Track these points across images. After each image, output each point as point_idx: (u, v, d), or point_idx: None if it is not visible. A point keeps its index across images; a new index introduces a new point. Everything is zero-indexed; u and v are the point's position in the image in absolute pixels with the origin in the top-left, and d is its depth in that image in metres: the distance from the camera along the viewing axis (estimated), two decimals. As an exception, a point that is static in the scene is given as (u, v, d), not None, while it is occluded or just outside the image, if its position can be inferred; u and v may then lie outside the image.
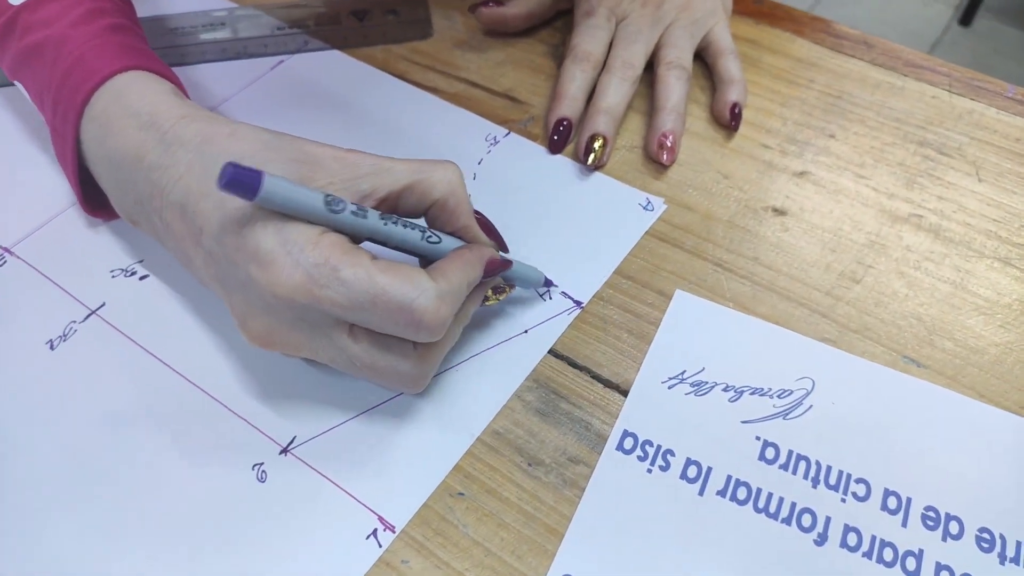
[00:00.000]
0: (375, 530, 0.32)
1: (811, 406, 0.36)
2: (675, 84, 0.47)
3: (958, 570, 0.31)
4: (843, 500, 0.33)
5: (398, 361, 0.32)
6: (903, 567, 0.31)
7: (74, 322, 0.38)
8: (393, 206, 0.34)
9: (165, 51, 0.51)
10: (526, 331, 0.38)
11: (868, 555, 0.32)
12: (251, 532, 0.32)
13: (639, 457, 0.34)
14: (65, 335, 0.38)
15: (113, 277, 0.40)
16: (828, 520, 0.33)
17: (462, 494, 0.33)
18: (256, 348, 0.36)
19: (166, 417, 0.35)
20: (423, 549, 0.32)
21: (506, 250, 0.38)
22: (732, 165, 0.46)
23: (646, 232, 0.43)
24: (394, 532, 0.32)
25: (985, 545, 0.32)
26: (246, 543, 0.32)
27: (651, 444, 0.35)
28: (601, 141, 0.45)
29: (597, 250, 0.42)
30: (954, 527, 0.32)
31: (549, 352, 0.38)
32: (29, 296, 0.39)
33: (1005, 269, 0.41)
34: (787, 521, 0.33)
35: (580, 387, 0.37)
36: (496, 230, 0.37)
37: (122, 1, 0.41)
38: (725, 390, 0.36)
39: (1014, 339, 0.38)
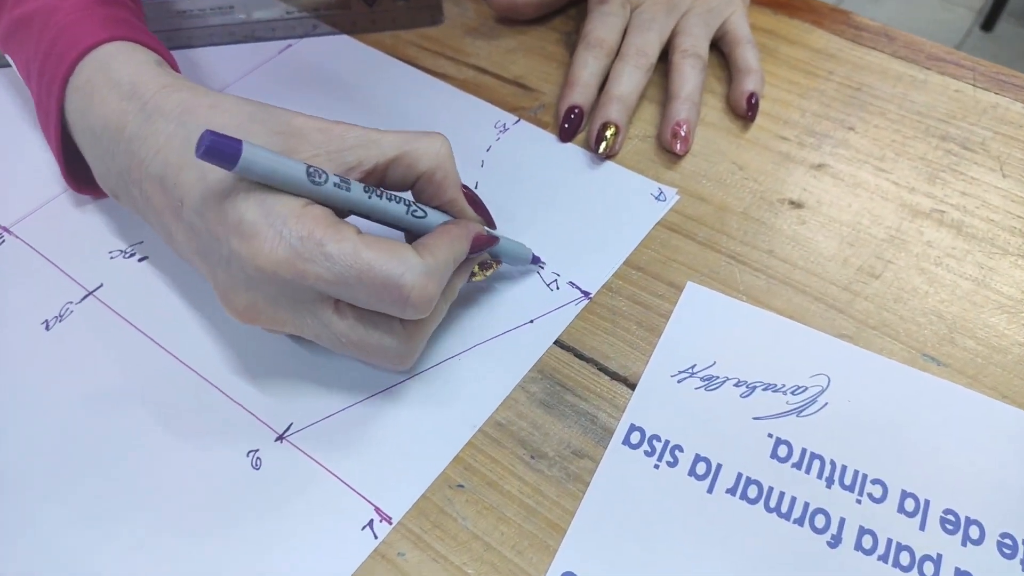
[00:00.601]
0: (371, 521, 0.31)
1: (826, 403, 0.34)
2: (690, 73, 0.46)
3: (978, 576, 0.30)
4: (858, 501, 0.32)
5: (384, 338, 0.31)
6: (920, 572, 0.30)
7: (71, 303, 0.38)
8: (380, 179, 0.33)
9: (172, 33, 0.51)
10: (531, 321, 0.37)
11: (884, 558, 0.30)
12: (244, 520, 0.31)
13: (646, 452, 0.33)
14: (61, 316, 0.37)
15: (112, 258, 0.39)
16: (843, 521, 0.31)
17: (462, 486, 0.32)
18: (253, 331, 0.35)
19: (160, 401, 0.34)
20: (420, 542, 0.31)
21: (493, 226, 0.37)
22: (748, 156, 0.45)
23: (658, 223, 0.41)
24: (391, 523, 0.31)
25: (1007, 551, 0.31)
26: (239, 531, 0.31)
27: (659, 439, 0.33)
28: (613, 129, 0.44)
29: (606, 240, 0.40)
30: (974, 531, 0.31)
31: (555, 343, 0.37)
32: (26, 276, 0.39)
33: (1030, 267, 0.40)
34: (799, 522, 0.31)
35: (586, 379, 0.35)
36: (483, 205, 0.36)
37: None
38: (737, 385, 0.35)
39: (1039, 339, 0.37)
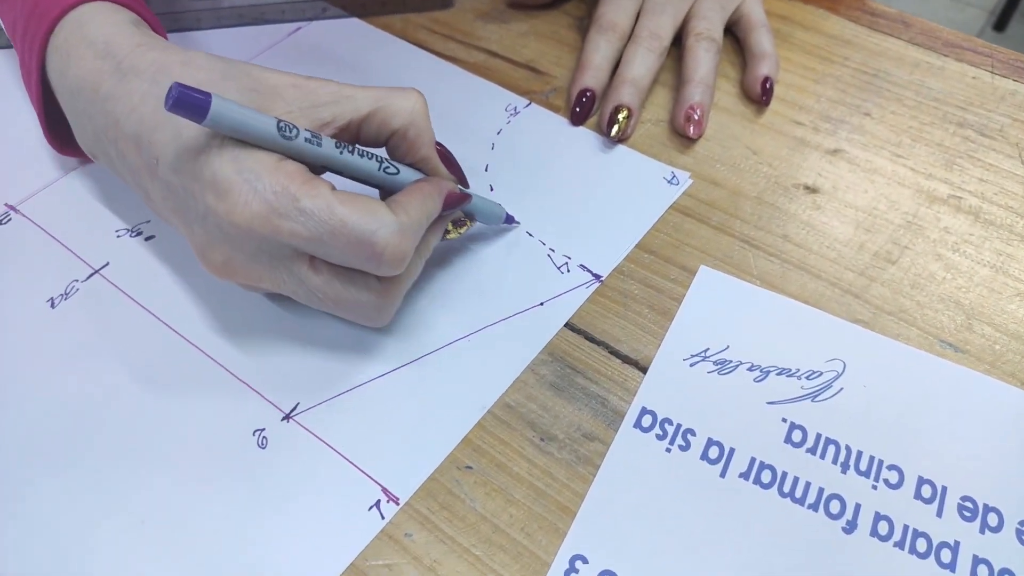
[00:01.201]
0: (378, 501, 0.31)
1: (841, 388, 0.34)
2: (704, 56, 0.45)
3: (997, 564, 0.29)
4: (874, 487, 0.31)
5: (360, 293, 0.31)
6: (937, 559, 0.29)
7: (76, 281, 0.37)
8: (354, 135, 0.33)
9: (180, 15, 0.50)
10: (542, 303, 0.37)
11: (900, 545, 0.30)
12: (250, 500, 0.31)
13: (658, 436, 0.32)
14: (67, 293, 0.37)
15: (118, 237, 0.39)
16: (858, 507, 0.31)
17: (470, 467, 0.32)
18: (260, 310, 0.35)
19: (166, 379, 0.34)
20: (428, 522, 0.30)
21: (466, 184, 0.37)
22: (762, 141, 0.44)
23: (671, 206, 0.41)
24: (398, 504, 0.31)
25: (1026, 539, 0.30)
26: (244, 511, 0.30)
27: (671, 423, 0.33)
28: (625, 112, 0.43)
29: (619, 223, 0.40)
30: (993, 519, 0.30)
31: (565, 326, 0.36)
32: (32, 254, 0.38)
33: (1050, 254, 0.39)
34: (814, 507, 0.31)
35: (597, 362, 0.35)
36: (456, 163, 0.36)
37: None
38: (750, 369, 0.34)
39: (1059, 326, 0.36)
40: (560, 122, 0.45)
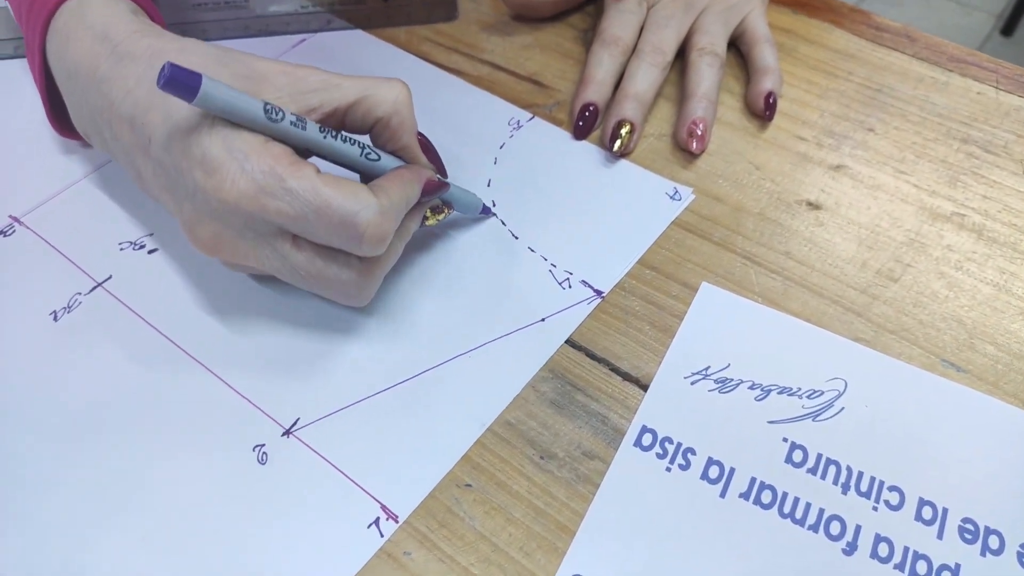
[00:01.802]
0: (377, 519, 0.31)
1: (843, 408, 0.34)
2: (707, 71, 0.45)
3: (998, 588, 0.29)
4: (875, 508, 0.31)
5: (341, 271, 0.32)
6: (938, 582, 0.29)
7: (79, 294, 0.37)
8: (340, 122, 0.34)
9: (186, 26, 0.51)
10: (543, 319, 0.37)
11: (900, 567, 0.30)
12: (249, 516, 0.31)
13: (658, 454, 0.32)
14: (69, 307, 0.37)
15: (121, 250, 0.39)
16: (858, 529, 0.31)
17: (470, 485, 0.32)
18: (262, 324, 0.35)
19: (166, 393, 0.34)
20: (427, 541, 0.30)
21: (444, 174, 0.38)
22: (765, 156, 0.44)
23: (672, 222, 0.41)
24: (397, 522, 0.31)
25: (1028, 562, 0.30)
26: (243, 527, 0.30)
27: (671, 441, 0.33)
28: (628, 127, 0.43)
29: (620, 239, 0.40)
30: (994, 542, 0.30)
31: (566, 342, 0.36)
32: (35, 266, 0.38)
33: (1053, 272, 0.39)
34: (814, 528, 0.31)
35: (598, 379, 0.35)
36: (436, 153, 0.38)
37: None
38: (751, 388, 0.34)
39: (1062, 346, 0.36)
40: (563, 136, 0.45)
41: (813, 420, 0.33)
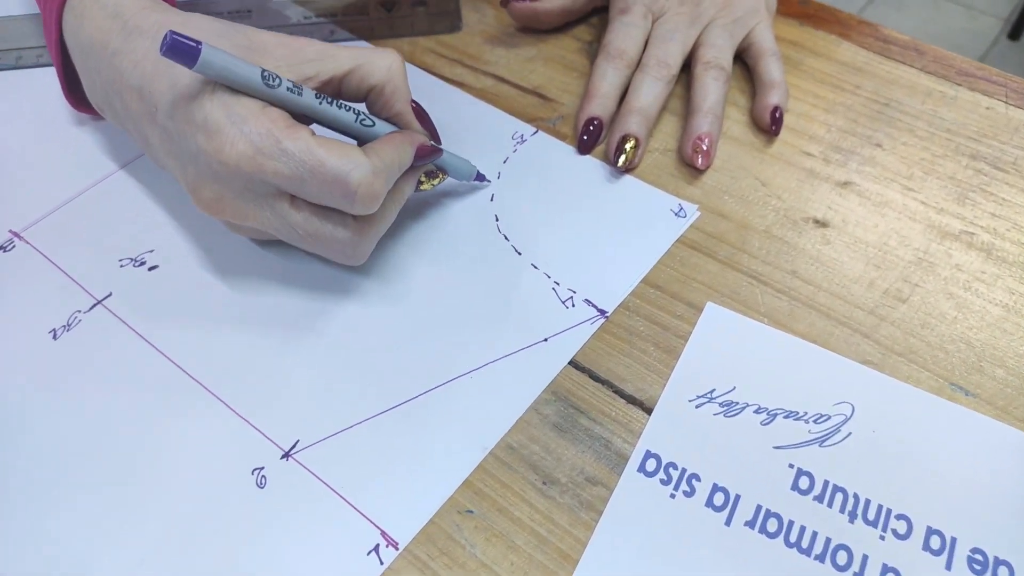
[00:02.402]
0: (377, 545, 0.30)
1: (850, 433, 0.33)
2: (712, 85, 0.45)
3: (1007, 620, 0.29)
4: (882, 537, 0.31)
5: (336, 230, 0.34)
6: (946, 614, 0.29)
7: (79, 311, 0.37)
8: (336, 90, 0.36)
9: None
10: (546, 340, 0.36)
11: (908, 599, 0.29)
12: (247, 540, 0.30)
13: (662, 480, 0.32)
14: (69, 325, 0.37)
15: (122, 267, 0.39)
16: (865, 559, 0.30)
17: (471, 512, 0.31)
18: (262, 343, 0.34)
19: (166, 416, 0.34)
20: (427, 569, 0.30)
21: (438, 140, 0.40)
22: (771, 172, 0.43)
23: (677, 240, 0.40)
24: (397, 549, 0.30)
25: (1038, 594, 0.29)
26: (242, 552, 0.30)
27: (675, 467, 0.32)
28: (633, 142, 0.43)
29: (624, 257, 0.39)
30: (1003, 572, 0.30)
31: (569, 363, 0.36)
32: (35, 283, 0.38)
33: (1064, 293, 0.38)
34: (820, 558, 0.30)
35: (601, 402, 0.34)
36: (430, 120, 0.39)
37: None
38: (757, 412, 0.34)
39: (1073, 369, 0.36)
40: (567, 151, 0.44)
41: (820, 445, 0.33)
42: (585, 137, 0.44)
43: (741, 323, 0.37)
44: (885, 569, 0.30)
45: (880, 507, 0.31)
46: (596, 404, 0.34)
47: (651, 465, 0.32)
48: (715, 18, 0.47)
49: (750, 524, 0.31)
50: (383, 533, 0.31)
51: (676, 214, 0.41)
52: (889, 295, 0.38)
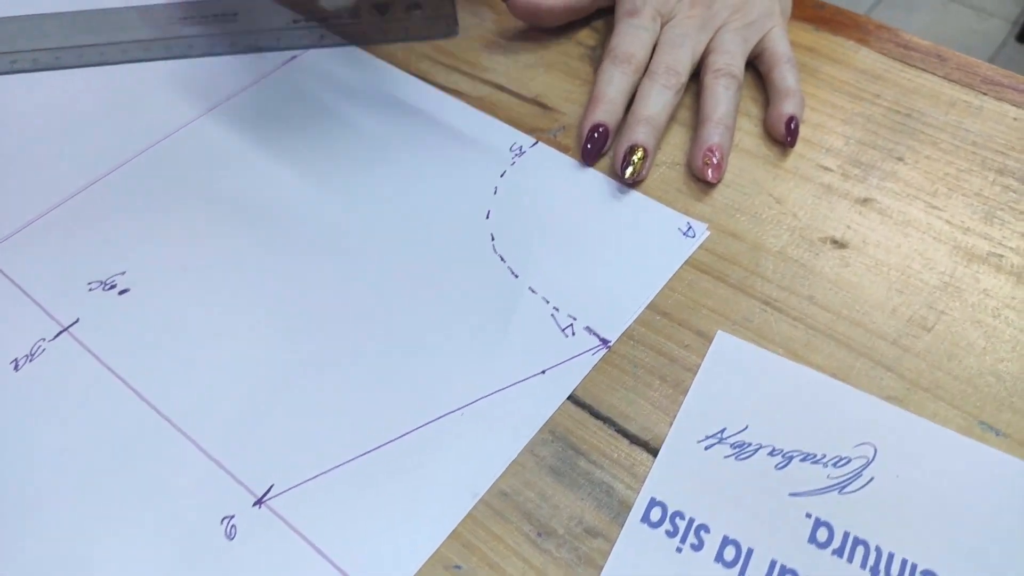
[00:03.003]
0: (356, 604, 0.28)
1: (872, 478, 0.31)
2: (723, 94, 0.42)
3: None
4: (908, 597, 0.28)
5: None
6: None
7: (43, 340, 0.35)
8: None
9: (171, 41, 0.48)
10: (543, 372, 0.34)
11: (938, 668, 0.27)
12: (216, 597, 0.28)
13: (668, 532, 0.29)
14: (32, 355, 0.34)
15: (91, 290, 0.36)
16: (890, 622, 0.27)
17: (459, 567, 0.29)
18: (235, 380, 0.32)
19: (131, 456, 0.31)
20: (410, 631, 0.27)
21: None
22: (786, 188, 0.41)
23: (685, 261, 0.38)
24: (378, 608, 0.28)
25: (1081, 663, 0.27)
26: (209, 610, 0.28)
27: (682, 517, 0.30)
28: (641, 152, 0.40)
29: (629, 280, 0.37)
30: (1043, 638, 0.27)
31: (568, 398, 0.33)
32: (-2, 307, 0.36)
33: (1102, 322, 0.36)
34: (841, 620, 0.27)
35: (603, 442, 0.32)
36: None
37: None
38: (771, 454, 0.31)
39: (1114, 407, 0.33)
40: (568, 164, 0.42)
41: (839, 492, 0.30)
42: (589, 145, 0.41)
43: (754, 354, 0.34)
44: (912, 634, 0.27)
45: (904, 562, 0.29)
46: (597, 444, 0.32)
47: (656, 515, 0.30)
48: (727, 22, 0.45)
49: (764, 582, 0.28)
50: (363, 590, 0.28)
51: (684, 233, 0.39)
52: (913, 323, 0.36)
